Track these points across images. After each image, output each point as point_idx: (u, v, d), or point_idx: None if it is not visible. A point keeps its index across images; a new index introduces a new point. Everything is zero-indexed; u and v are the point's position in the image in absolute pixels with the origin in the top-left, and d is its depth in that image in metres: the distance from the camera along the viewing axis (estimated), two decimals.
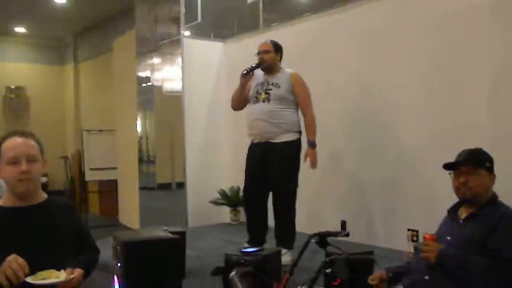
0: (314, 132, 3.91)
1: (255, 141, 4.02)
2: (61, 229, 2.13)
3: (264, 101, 3.92)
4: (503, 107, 3.63)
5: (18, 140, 2.07)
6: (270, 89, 3.92)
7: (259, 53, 4.01)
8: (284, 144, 3.88)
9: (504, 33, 3.61)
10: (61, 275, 1.95)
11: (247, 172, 4.09)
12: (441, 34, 4.00)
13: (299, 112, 4.01)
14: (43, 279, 1.92)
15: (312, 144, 3.89)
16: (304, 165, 3.96)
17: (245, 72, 3.97)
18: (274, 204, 3.96)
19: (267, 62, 3.97)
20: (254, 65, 3.98)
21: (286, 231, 3.92)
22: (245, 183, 4.10)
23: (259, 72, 4.04)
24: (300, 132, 3.97)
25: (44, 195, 2.18)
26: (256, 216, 4.07)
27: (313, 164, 3.91)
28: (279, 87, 3.91)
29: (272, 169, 3.89)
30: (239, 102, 4.14)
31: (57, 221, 2.13)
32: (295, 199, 3.94)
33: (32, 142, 2.10)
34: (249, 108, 4.06)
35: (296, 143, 3.93)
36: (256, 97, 3.97)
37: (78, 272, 1.99)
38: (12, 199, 2.09)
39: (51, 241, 2.07)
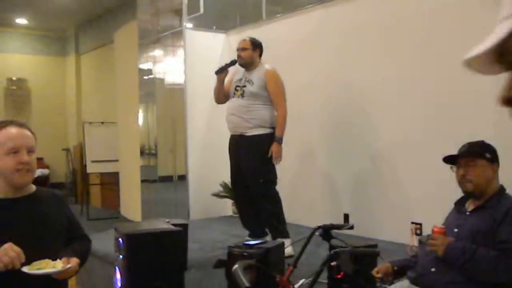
0: (282, 129, 3.97)
1: (231, 134, 4.18)
2: (50, 219, 2.13)
3: (239, 97, 4.04)
4: (490, 103, 3.59)
5: (16, 130, 2.04)
6: (245, 86, 4.04)
7: (237, 50, 4.11)
8: (256, 137, 3.98)
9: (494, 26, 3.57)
10: (57, 265, 1.93)
11: (230, 165, 4.23)
12: (427, 30, 3.98)
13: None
14: (39, 269, 1.90)
15: (278, 140, 3.95)
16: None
17: (218, 69, 4.11)
18: (252, 196, 4.05)
19: (243, 59, 4.08)
20: (228, 63, 4.13)
21: (271, 220, 3.98)
22: (230, 176, 4.26)
23: (241, 68, 4.15)
24: (273, 128, 4.03)
25: (33, 187, 2.17)
26: (243, 207, 4.23)
27: (276, 159, 3.96)
28: (252, 84, 4.01)
29: (244, 161, 4.02)
30: (219, 97, 4.28)
31: (46, 211, 2.13)
32: (272, 189, 4.01)
33: (29, 133, 2.09)
34: (228, 102, 4.19)
35: (268, 136, 3.99)
36: (234, 93, 4.10)
37: (74, 261, 1.98)
38: (4, 190, 2.06)
39: (41, 231, 2.07)
